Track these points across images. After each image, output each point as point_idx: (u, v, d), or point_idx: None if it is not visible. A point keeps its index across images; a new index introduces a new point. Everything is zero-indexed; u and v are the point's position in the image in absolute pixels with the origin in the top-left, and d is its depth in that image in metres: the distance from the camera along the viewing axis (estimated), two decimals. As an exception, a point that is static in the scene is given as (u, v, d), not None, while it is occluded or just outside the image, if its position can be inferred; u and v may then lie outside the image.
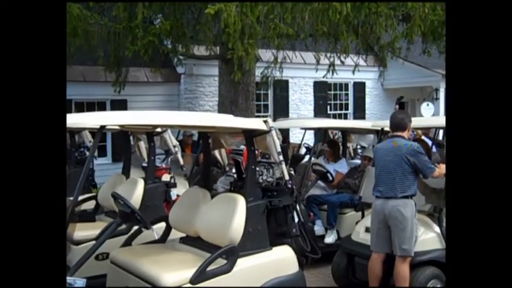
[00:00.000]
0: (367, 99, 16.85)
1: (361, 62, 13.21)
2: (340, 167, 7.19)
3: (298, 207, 6.06)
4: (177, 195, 5.62)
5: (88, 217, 5.65)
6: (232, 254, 3.83)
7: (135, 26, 8.88)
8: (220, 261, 3.80)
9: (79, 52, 9.69)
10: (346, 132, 8.56)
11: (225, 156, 7.46)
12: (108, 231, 3.97)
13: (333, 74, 11.30)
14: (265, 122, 4.22)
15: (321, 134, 9.15)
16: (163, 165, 7.95)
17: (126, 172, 5.95)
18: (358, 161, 8.08)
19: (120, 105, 11.48)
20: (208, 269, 3.69)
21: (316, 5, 8.61)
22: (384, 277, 4.89)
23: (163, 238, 4.55)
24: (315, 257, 4.48)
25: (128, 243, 4.44)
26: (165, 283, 3.56)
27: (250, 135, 4.27)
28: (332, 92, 16.15)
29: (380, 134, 6.29)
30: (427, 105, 14.89)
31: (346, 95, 16.52)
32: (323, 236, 6.50)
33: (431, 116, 14.02)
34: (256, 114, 12.25)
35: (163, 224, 4.62)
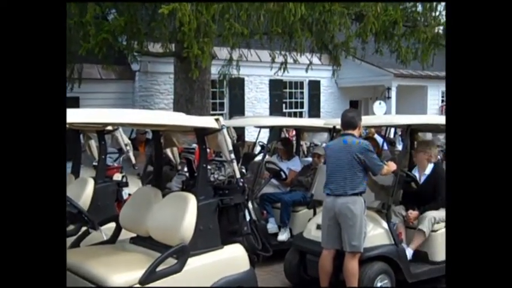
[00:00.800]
0: (322, 98, 17.07)
1: (316, 61, 13.36)
2: (293, 165, 7.26)
3: (251, 205, 6.10)
4: (129, 195, 5.54)
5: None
6: (183, 253, 3.81)
7: (86, 22, 8.67)
8: (171, 261, 3.77)
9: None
10: (299, 130, 8.65)
11: (177, 155, 7.41)
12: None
13: (284, 72, 11.38)
14: (216, 120, 4.21)
15: (275, 132, 9.21)
16: (115, 164, 7.81)
17: (75, 172, 5.82)
18: (311, 159, 8.17)
19: (71, 103, 11.14)
20: (158, 269, 3.65)
21: (271, 6, 8.65)
22: (334, 273, 4.98)
23: (113, 239, 4.48)
24: (266, 254, 4.52)
25: (76, 244, 4.35)
26: (113, 284, 3.50)
27: (201, 133, 4.25)
28: (287, 90, 16.29)
29: (332, 132, 6.39)
30: (380, 103, 15.26)
31: (301, 93, 16.70)
32: (276, 234, 6.55)
33: (383, 114, 14.36)
34: (212, 112, 12.21)
35: (113, 225, 4.54)
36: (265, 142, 10.41)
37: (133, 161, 6.93)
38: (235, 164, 4.29)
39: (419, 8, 10.14)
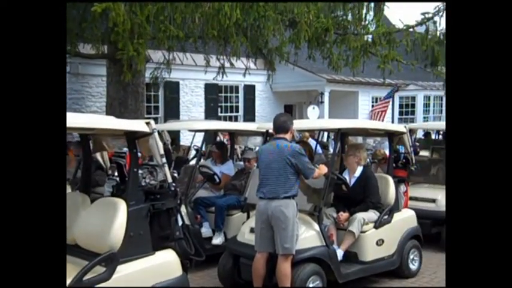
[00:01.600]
0: (257, 102, 17.24)
1: (252, 65, 13.46)
2: (227, 169, 7.26)
3: (184, 209, 6.04)
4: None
5: None
6: (112, 260, 3.71)
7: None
8: (100, 269, 3.67)
9: None
10: (233, 134, 8.67)
11: (107, 159, 7.22)
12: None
13: (222, 76, 11.40)
14: (147, 123, 4.14)
15: (209, 136, 9.18)
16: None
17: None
18: (245, 163, 8.20)
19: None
20: (86, 277, 3.54)
21: (207, 9, 8.63)
22: (267, 276, 5.02)
23: (38, 247, 4.30)
24: (199, 259, 4.48)
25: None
26: (37, 295, 3.35)
27: (132, 137, 4.17)
28: (223, 95, 16.31)
29: (265, 136, 6.45)
30: (313, 108, 15.61)
31: (237, 97, 16.79)
32: (211, 238, 6.52)
33: (316, 118, 14.68)
34: (146, 116, 12.02)
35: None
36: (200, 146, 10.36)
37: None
38: (166, 168, 4.24)
39: (350, 16, 10.45)
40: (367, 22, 10.31)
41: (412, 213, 6.39)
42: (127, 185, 4.17)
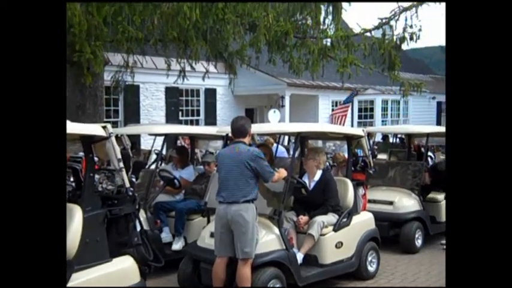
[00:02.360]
0: (218, 106, 17.21)
1: (212, 69, 13.42)
2: (187, 174, 7.21)
3: (144, 214, 5.95)
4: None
5: None
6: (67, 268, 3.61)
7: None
8: (54, 277, 3.57)
9: None
10: (193, 138, 8.62)
11: (63, 164, 7.05)
12: None
13: (183, 80, 11.31)
14: (104, 127, 4.08)
15: (170, 140, 9.09)
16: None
17: None
18: (205, 167, 8.15)
19: None
20: (39, 286, 3.44)
21: (166, 9, 8.54)
22: (227, 280, 5.00)
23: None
24: (158, 265, 4.44)
25: None
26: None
27: (88, 141, 4.10)
28: (184, 98, 16.21)
29: (225, 139, 6.43)
30: (274, 112, 15.68)
31: (198, 101, 16.72)
32: (171, 243, 6.45)
33: (277, 122, 14.75)
34: (105, 119, 11.79)
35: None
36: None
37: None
38: (124, 172, 4.18)
39: (309, 21, 10.54)
40: (325, 26, 10.41)
41: (370, 215, 6.50)
42: (82, 191, 4.09)
